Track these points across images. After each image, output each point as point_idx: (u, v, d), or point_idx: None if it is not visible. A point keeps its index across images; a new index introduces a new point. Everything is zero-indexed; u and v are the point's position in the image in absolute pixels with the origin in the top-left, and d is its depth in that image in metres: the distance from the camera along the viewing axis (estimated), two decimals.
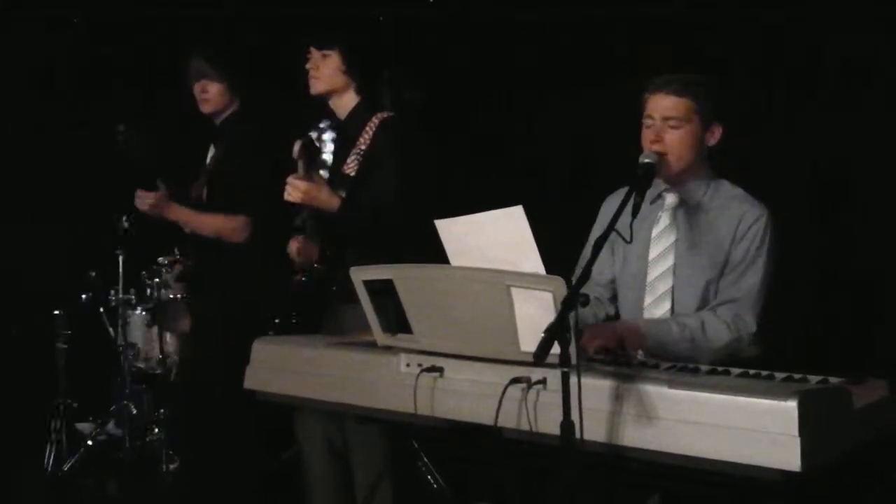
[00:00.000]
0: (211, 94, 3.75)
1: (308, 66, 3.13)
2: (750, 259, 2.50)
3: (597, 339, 2.35)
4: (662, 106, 2.54)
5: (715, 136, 2.58)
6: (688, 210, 2.60)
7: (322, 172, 3.22)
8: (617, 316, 2.70)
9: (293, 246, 3.12)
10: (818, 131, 3.59)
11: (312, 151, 2.96)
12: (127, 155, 3.76)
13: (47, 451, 4.56)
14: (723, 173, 2.64)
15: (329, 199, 2.96)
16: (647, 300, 2.59)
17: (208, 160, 3.87)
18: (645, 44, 4.08)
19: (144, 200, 3.67)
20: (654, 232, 2.61)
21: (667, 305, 2.56)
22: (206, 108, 3.78)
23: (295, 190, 2.93)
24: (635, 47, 4.13)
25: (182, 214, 3.71)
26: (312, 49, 3.13)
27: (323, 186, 2.98)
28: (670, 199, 2.61)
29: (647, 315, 2.58)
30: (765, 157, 3.62)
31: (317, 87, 3.14)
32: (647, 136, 2.56)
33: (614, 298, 2.73)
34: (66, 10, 5.23)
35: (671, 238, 2.59)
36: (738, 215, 2.53)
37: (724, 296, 2.51)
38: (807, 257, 3.57)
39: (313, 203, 2.97)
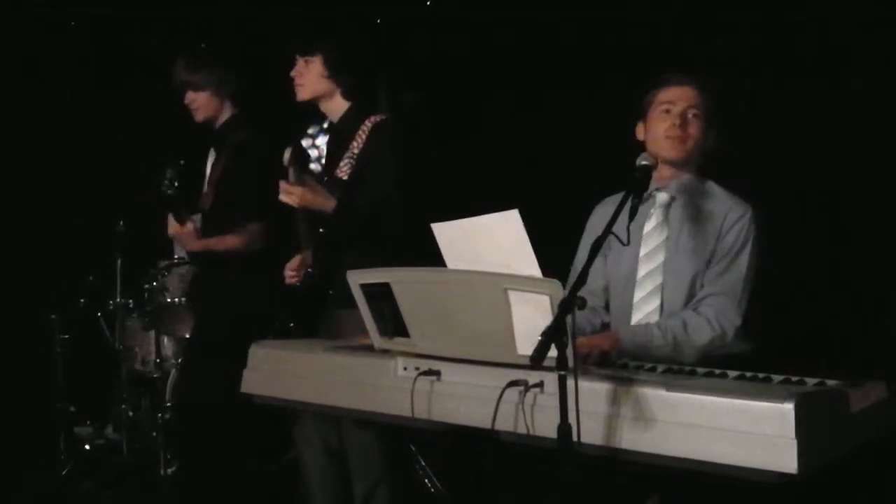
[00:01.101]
0: (199, 103, 3.72)
1: (292, 73, 3.14)
2: (734, 254, 2.52)
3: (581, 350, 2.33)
4: (687, 95, 2.57)
5: (710, 139, 2.62)
6: (679, 208, 2.61)
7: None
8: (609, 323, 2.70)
9: (294, 263, 3.11)
10: (815, 130, 3.59)
11: (302, 157, 2.97)
12: (169, 197, 3.70)
13: (46, 456, 4.56)
14: (712, 173, 2.66)
15: (325, 202, 2.98)
16: (637, 296, 2.59)
17: (209, 166, 3.86)
18: (643, 45, 4.08)
19: (173, 230, 3.70)
20: (646, 229, 2.62)
21: (656, 302, 2.56)
22: (199, 118, 3.76)
23: (289, 195, 2.95)
24: (633, 48, 4.13)
25: (206, 244, 3.70)
26: (297, 56, 3.13)
27: (317, 190, 2.99)
28: (662, 196, 2.62)
29: (636, 311, 2.58)
30: (762, 156, 3.62)
31: (301, 93, 3.15)
32: (663, 120, 2.57)
33: (608, 307, 2.72)
34: (65, 11, 5.23)
35: (662, 235, 2.60)
36: (723, 212, 2.56)
37: (707, 290, 2.52)
38: (805, 257, 3.57)
39: (310, 206, 2.98)
